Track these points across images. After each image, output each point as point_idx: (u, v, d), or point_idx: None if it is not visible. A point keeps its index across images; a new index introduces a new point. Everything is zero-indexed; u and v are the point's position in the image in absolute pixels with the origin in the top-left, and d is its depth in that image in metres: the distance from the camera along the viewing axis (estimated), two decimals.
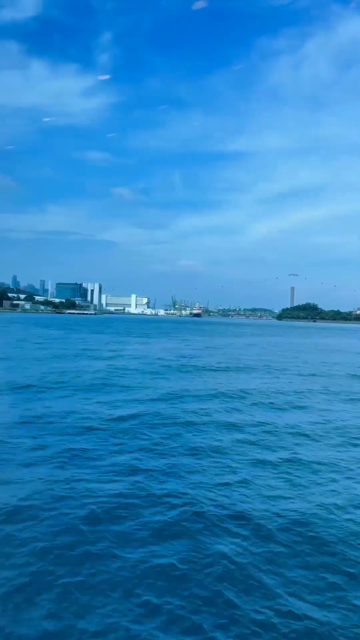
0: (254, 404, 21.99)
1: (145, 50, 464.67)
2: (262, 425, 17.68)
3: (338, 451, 14.81)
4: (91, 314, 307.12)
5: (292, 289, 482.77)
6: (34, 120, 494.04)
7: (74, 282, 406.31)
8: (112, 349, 50.60)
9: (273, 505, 10.29)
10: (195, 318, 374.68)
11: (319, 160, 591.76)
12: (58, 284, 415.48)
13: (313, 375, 34.24)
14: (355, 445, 15.70)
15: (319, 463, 13.42)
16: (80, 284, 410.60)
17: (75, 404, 19.83)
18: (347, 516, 9.90)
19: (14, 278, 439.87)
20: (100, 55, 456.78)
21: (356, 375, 34.90)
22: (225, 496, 10.67)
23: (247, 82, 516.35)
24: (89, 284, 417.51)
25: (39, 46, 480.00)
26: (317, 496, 10.94)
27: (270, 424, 17.89)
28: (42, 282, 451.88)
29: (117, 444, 14.44)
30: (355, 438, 16.55)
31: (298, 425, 17.99)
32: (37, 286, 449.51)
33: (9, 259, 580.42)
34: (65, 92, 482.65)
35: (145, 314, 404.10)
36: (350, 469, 13.07)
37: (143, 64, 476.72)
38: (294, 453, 14.20)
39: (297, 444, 15.32)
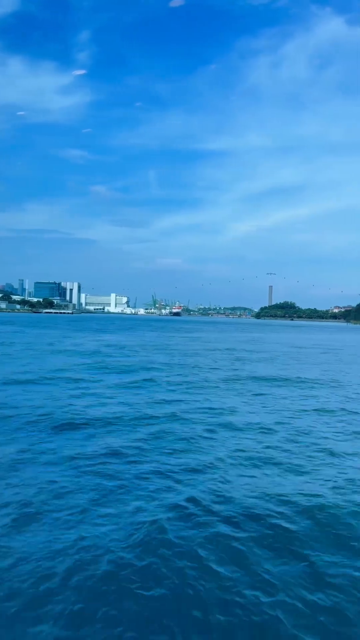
0: (104, 369, 28.24)
1: (124, 49, 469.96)
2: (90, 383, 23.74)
3: (135, 394, 20.97)
4: (69, 313, 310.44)
5: (270, 287, 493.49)
6: (11, 117, 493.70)
7: (53, 281, 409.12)
8: (55, 341, 56.06)
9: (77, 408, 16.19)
10: (175, 317, 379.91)
11: (299, 159, 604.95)
12: (36, 283, 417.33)
13: (189, 356, 40.55)
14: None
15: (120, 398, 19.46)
16: (59, 283, 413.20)
17: None
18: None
19: None
20: (79, 52, 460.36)
21: (238, 359, 41.27)
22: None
23: (228, 82, 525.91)
24: (68, 283, 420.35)
25: (17, 43, 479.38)
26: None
27: (95, 383, 24.00)
28: (21, 282, 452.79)
29: None
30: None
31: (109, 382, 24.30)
32: (16, 285, 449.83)
33: None
34: (44, 90, 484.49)
35: (125, 313, 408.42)
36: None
37: (122, 62, 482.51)
38: (114, 400, 20.25)
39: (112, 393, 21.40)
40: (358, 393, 25.17)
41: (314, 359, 44.65)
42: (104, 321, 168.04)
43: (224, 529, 8.65)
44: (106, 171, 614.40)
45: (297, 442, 14.62)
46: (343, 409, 20.24)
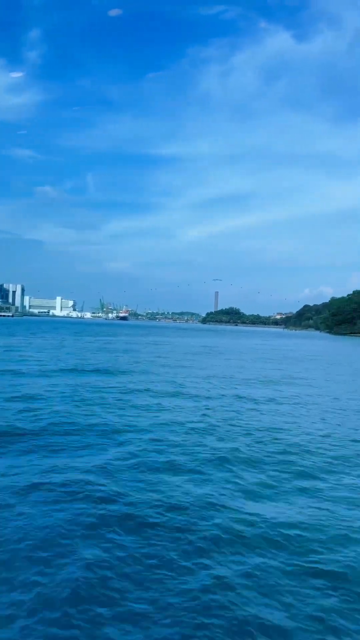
0: None
1: (75, 50, 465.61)
2: None
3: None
4: (8, 316, 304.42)
5: (216, 293, 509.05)
6: None
7: None
8: None
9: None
10: (121, 321, 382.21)
11: (247, 168, 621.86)
12: None
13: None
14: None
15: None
16: (1, 285, 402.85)
17: None
18: None
19: None
20: (29, 51, 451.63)
21: (116, 357, 47.91)
22: None
23: (179, 89, 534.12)
24: (11, 285, 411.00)
25: None
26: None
27: None
28: None
29: None
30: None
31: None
32: None
33: None
34: None
35: (70, 317, 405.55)
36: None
37: (73, 63, 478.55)
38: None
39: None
40: (171, 383, 32.19)
41: (174, 358, 52.13)
42: (38, 324, 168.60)
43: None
44: (55, 172, 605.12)
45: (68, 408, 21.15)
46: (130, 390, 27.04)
